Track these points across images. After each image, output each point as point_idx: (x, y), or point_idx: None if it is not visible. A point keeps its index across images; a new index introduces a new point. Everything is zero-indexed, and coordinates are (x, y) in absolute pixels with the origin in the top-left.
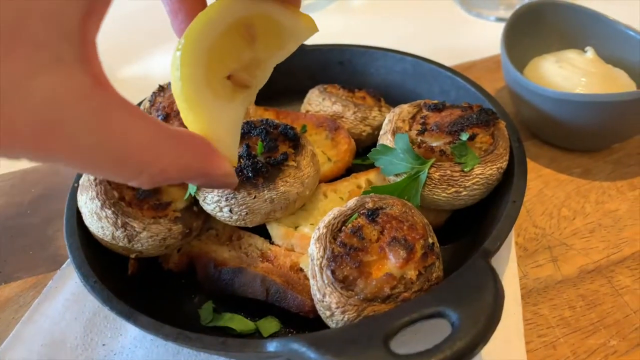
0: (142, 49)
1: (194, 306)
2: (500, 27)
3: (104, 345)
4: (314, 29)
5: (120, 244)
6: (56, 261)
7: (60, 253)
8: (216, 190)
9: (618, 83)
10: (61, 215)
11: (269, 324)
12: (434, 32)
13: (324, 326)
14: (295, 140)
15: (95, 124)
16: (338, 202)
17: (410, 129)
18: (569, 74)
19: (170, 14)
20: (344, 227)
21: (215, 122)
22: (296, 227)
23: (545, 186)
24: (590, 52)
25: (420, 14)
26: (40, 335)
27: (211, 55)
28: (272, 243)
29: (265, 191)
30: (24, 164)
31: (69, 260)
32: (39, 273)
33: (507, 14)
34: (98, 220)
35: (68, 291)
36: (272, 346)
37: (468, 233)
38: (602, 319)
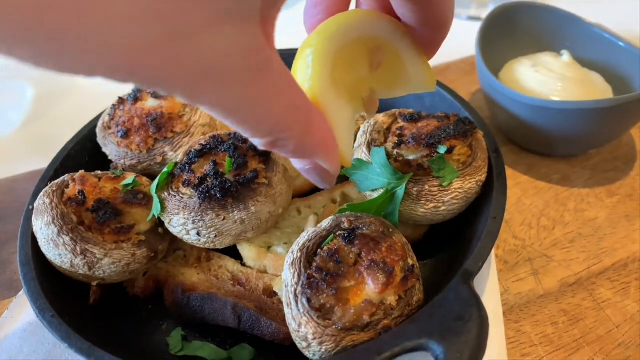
0: None
1: (162, 334)
2: (473, 25)
3: None
4: (430, 87)
5: (81, 271)
6: (12, 287)
7: (16, 278)
8: (182, 213)
9: (594, 88)
10: (16, 237)
11: (243, 352)
12: None
13: (301, 353)
14: (265, 155)
15: (252, 80)
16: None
17: (385, 141)
18: (546, 79)
19: (310, 2)
20: (319, 250)
21: (336, 120)
22: (269, 247)
23: (524, 194)
24: (566, 56)
25: None
26: None
27: (339, 56)
28: (243, 264)
29: (235, 212)
30: None
31: None
32: None
33: (479, 12)
34: (55, 247)
35: (25, 321)
36: None
37: (447, 247)
38: (585, 335)
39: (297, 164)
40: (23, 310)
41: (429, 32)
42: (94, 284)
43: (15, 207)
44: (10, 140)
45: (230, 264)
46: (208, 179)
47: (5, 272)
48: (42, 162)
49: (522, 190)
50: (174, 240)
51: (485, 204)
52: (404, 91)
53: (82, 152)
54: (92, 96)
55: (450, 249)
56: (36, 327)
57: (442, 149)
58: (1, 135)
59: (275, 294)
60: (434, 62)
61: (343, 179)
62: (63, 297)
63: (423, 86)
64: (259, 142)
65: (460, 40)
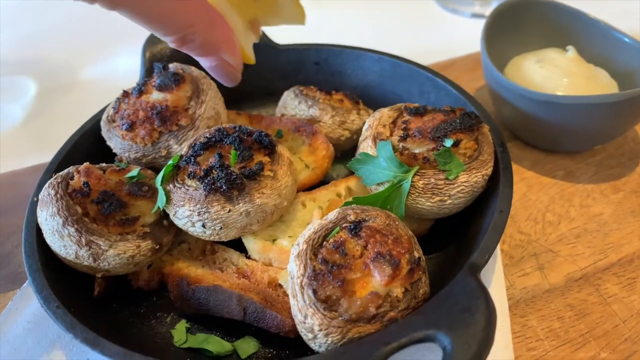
0: (107, 49)
1: (167, 326)
2: (477, 23)
3: None
4: (299, 21)
5: (85, 263)
6: (16, 279)
7: (20, 270)
8: (187, 204)
9: (599, 83)
10: (20, 230)
11: (247, 345)
12: (411, 29)
13: (306, 346)
14: (271, 148)
15: None
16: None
17: (391, 135)
18: (551, 74)
19: None
20: (325, 242)
21: (233, 24)
22: (274, 240)
23: (529, 190)
24: (571, 51)
25: (396, 10)
26: None
27: None
28: (248, 257)
29: (241, 204)
30: None
31: None
32: None
33: (483, 10)
34: (60, 238)
35: (29, 312)
36: None
37: (453, 241)
38: (591, 329)
39: (205, 62)
40: (27, 302)
41: None
42: (99, 275)
43: (16, 201)
44: (11, 135)
45: (235, 256)
46: (214, 171)
47: (9, 265)
48: (44, 157)
49: (527, 186)
50: (178, 233)
51: (491, 198)
52: (278, 21)
53: (87, 145)
54: (94, 92)
55: (456, 243)
56: (40, 319)
57: (448, 142)
58: (3, 130)
59: (281, 286)
60: (437, 58)
61: (348, 172)
62: (67, 289)
63: (294, 19)
64: (170, 40)
65: (464, 37)
